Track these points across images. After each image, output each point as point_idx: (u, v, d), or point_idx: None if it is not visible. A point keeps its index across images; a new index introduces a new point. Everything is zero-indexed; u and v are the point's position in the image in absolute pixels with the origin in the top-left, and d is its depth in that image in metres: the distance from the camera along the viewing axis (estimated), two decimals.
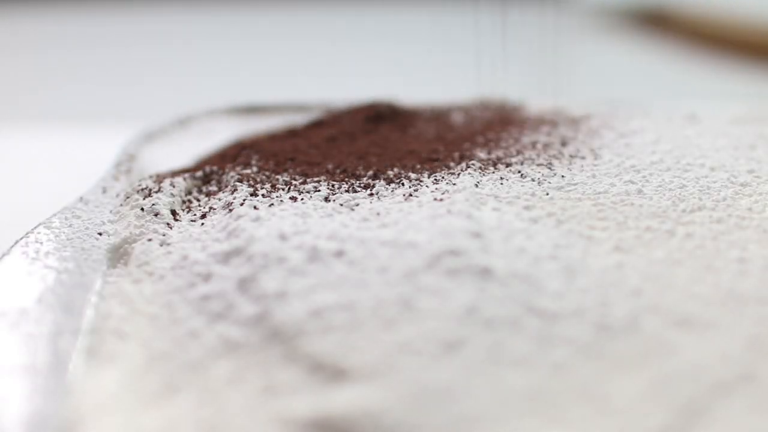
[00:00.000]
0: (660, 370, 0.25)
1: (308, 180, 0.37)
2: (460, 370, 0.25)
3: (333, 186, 0.36)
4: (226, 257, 0.30)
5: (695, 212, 0.33)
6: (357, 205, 0.34)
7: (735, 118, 0.45)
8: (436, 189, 0.35)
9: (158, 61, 1.37)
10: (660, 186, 0.35)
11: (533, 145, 0.40)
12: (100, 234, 0.34)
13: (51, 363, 0.27)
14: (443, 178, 0.36)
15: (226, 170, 0.38)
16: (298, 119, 0.47)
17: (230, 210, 0.34)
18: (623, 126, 0.43)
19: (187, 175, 0.38)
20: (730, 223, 0.33)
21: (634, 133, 0.41)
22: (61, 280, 0.31)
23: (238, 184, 0.36)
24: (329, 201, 0.34)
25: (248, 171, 0.38)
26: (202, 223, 0.34)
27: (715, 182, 0.36)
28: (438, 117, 0.47)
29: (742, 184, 0.35)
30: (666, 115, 0.45)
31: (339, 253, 0.30)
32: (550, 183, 0.36)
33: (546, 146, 0.40)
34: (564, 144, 0.40)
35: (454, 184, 0.35)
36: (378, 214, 0.33)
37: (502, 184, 0.36)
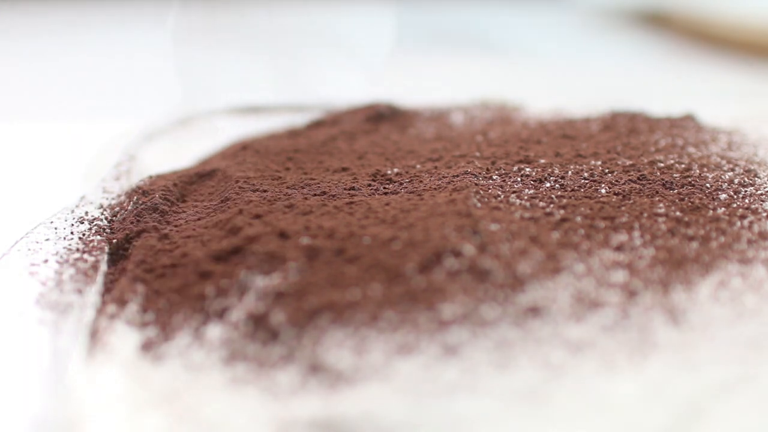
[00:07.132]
0: (660, 370, 0.25)
1: (308, 180, 0.37)
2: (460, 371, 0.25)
3: (333, 186, 0.36)
4: (226, 257, 0.30)
5: (696, 210, 0.33)
6: None
7: (735, 118, 0.45)
8: None
9: (158, 61, 1.37)
10: None
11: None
12: (100, 234, 0.34)
13: (51, 363, 0.27)
14: None
15: (226, 170, 0.38)
16: (298, 119, 0.47)
17: (229, 208, 0.34)
18: None
19: (187, 175, 0.38)
20: (731, 222, 0.32)
21: None
22: (61, 280, 0.31)
23: (237, 184, 0.36)
24: (329, 201, 0.34)
25: (248, 171, 0.38)
26: (203, 222, 0.34)
27: None
28: (438, 117, 0.47)
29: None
30: None
31: (339, 252, 0.30)
32: None
33: None
34: None
35: None
36: None
37: None
